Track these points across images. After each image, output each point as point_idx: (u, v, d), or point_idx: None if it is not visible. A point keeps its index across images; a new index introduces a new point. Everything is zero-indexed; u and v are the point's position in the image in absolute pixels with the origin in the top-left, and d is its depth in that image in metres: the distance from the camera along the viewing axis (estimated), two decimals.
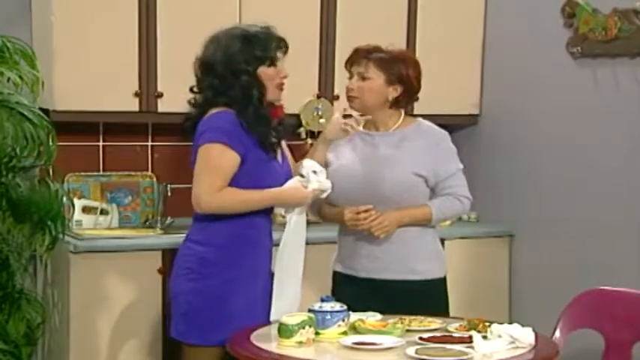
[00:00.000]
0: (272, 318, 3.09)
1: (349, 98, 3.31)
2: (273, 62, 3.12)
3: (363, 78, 3.27)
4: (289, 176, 3.18)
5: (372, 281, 3.29)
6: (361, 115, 3.31)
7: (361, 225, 3.21)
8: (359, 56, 3.30)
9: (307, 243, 4.21)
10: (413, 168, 3.26)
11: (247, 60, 3.09)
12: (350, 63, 3.33)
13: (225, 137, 3.03)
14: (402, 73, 3.28)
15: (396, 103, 3.32)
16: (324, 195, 3.18)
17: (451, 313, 3.35)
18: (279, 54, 3.14)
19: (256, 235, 3.15)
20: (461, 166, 3.35)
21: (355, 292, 3.24)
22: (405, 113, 3.39)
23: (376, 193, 3.23)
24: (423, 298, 3.26)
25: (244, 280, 3.11)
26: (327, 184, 3.17)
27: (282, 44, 3.16)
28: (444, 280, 3.38)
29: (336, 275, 3.42)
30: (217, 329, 3.06)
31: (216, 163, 3.02)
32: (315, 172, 3.16)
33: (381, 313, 3.03)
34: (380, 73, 3.26)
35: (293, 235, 3.18)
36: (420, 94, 4.60)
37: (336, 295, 3.23)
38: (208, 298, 3.08)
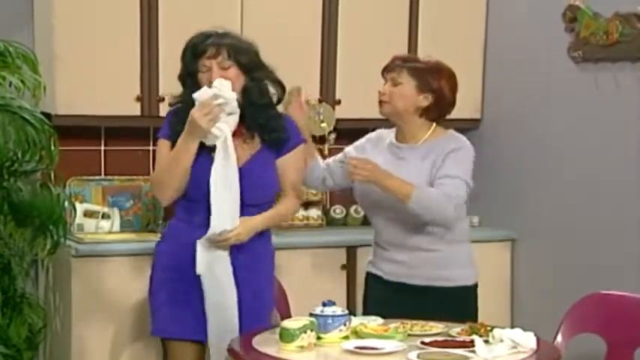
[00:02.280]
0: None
1: (380, 103, 3.33)
2: (196, 73, 3.10)
3: (395, 83, 3.29)
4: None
5: (400, 285, 3.31)
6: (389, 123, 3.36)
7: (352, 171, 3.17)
8: (394, 63, 3.33)
9: (298, 247, 4.22)
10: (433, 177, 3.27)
11: (182, 76, 3.17)
12: (385, 70, 3.35)
13: (160, 133, 3.18)
14: (434, 82, 3.29)
15: (425, 113, 3.31)
16: (221, 101, 3.01)
17: None
18: (201, 63, 3.09)
19: (177, 229, 3.19)
20: (466, 178, 3.25)
21: (384, 294, 3.26)
22: (438, 125, 3.37)
23: (403, 206, 3.21)
24: (452, 304, 3.27)
25: (159, 273, 3.20)
26: (209, 91, 3.02)
27: (200, 50, 3.08)
28: (474, 288, 3.38)
29: (368, 276, 3.46)
30: (153, 319, 3.23)
31: (157, 158, 3.20)
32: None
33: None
34: (411, 80, 3.28)
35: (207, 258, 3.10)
36: None
37: (368, 296, 3.26)
38: (150, 287, 3.28)
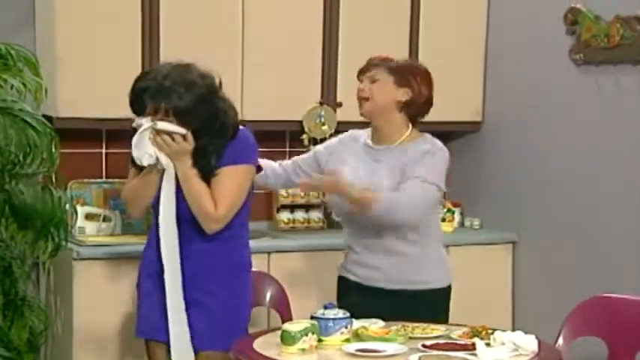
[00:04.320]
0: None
1: (360, 101, 3.32)
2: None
3: (373, 80, 3.30)
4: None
5: (373, 289, 3.30)
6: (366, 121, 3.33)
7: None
8: (370, 64, 3.34)
9: (299, 250, 4.19)
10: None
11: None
12: (361, 71, 3.36)
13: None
14: (412, 78, 3.29)
15: (405, 108, 3.30)
16: (144, 128, 3.01)
17: (454, 321, 3.35)
18: (143, 117, 3.05)
19: (151, 233, 3.23)
20: (436, 181, 3.20)
21: (358, 298, 3.24)
22: (414, 127, 3.35)
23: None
24: (426, 306, 3.26)
25: (146, 278, 3.24)
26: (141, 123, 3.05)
27: (139, 108, 3.04)
28: (447, 290, 3.38)
29: (340, 280, 3.44)
30: (137, 321, 3.28)
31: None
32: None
33: (385, 320, 3.04)
34: (389, 76, 3.29)
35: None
36: None
37: (341, 300, 3.25)
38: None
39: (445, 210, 4.80)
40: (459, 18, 4.73)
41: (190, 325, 3.13)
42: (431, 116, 4.67)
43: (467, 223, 4.87)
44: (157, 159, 3.06)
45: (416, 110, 3.33)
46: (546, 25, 4.48)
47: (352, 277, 3.38)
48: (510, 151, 4.73)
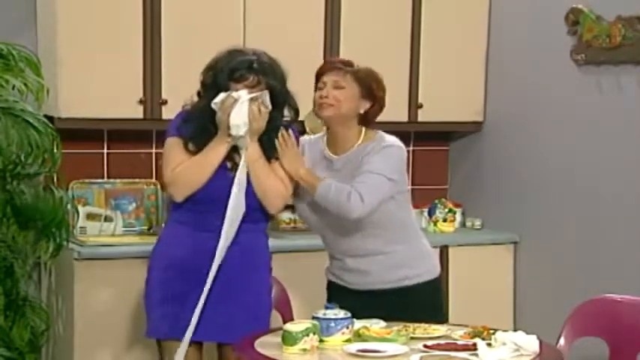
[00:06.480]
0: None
1: (321, 106, 3.25)
2: (223, 90, 3.11)
3: (337, 86, 3.24)
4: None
5: (365, 292, 3.29)
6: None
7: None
8: (333, 67, 3.29)
9: (300, 250, 4.18)
10: None
11: (206, 86, 3.16)
12: (322, 73, 3.29)
13: (170, 132, 3.21)
14: (374, 89, 3.26)
15: (362, 119, 3.27)
16: (254, 96, 3.08)
17: (455, 321, 3.35)
18: (234, 84, 3.10)
19: (177, 231, 3.21)
20: (385, 173, 3.16)
21: (352, 301, 3.24)
22: (368, 127, 3.31)
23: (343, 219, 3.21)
24: (419, 300, 3.26)
25: (157, 274, 3.23)
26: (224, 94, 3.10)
27: (239, 76, 3.10)
28: (437, 281, 3.38)
29: (330, 284, 3.43)
30: (148, 320, 3.24)
31: (167, 151, 3.20)
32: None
33: (383, 318, 3.04)
34: (355, 85, 3.24)
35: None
36: (424, 101, 4.66)
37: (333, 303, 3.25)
38: (145, 289, 3.29)
39: (447, 210, 4.80)
40: (461, 18, 4.73)
41: (226, 318, 3.14)
42: (432, 116, 4.72)
43: (468, 224, 4.87)
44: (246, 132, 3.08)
45: (370, 120, 3.30)
46: (548, 25, 4.48)
47: (341, 283, 3.37)
48: (511, 152, 4.73)
